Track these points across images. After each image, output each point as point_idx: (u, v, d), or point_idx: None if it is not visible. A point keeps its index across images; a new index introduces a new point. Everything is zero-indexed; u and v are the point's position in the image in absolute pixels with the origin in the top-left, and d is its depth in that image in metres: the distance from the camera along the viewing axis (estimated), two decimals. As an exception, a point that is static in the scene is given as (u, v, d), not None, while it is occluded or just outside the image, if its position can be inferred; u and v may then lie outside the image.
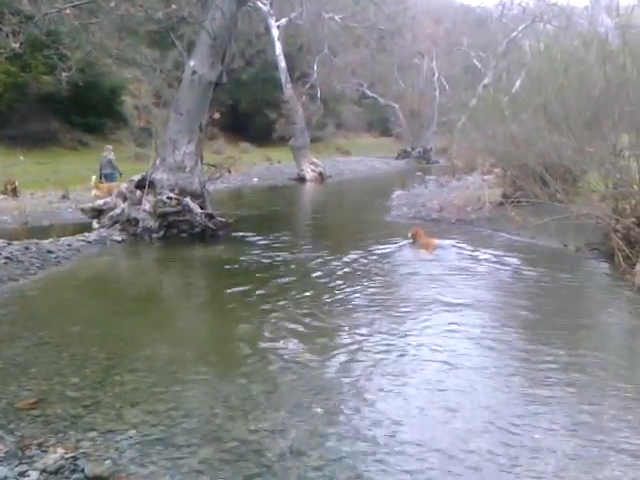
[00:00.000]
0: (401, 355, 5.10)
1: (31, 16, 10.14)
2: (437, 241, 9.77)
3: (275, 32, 24.50)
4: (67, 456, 3.44)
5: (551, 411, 4.07)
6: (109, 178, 15.71)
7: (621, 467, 3.43)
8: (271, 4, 24.24)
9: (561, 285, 7.68)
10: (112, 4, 10.50)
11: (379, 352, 5.16)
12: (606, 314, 6.75)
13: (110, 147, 17.04)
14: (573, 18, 28.77)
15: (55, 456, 3.42)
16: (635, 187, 8.57)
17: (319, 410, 4.10)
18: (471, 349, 5.28)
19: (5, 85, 21.23)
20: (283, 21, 24.95)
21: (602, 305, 7.16)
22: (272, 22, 24.39)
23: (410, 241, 9.77)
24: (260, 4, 23.08)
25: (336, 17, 26.41)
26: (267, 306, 6.60)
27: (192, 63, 10.61)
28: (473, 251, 9.56)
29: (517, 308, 6.75)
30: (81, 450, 3.54)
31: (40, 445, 3.55)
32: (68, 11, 10.33)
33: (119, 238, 10.26)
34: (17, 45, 10.20)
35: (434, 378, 4.62)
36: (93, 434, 3.73)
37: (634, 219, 8.41)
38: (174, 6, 10.66)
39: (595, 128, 9.08)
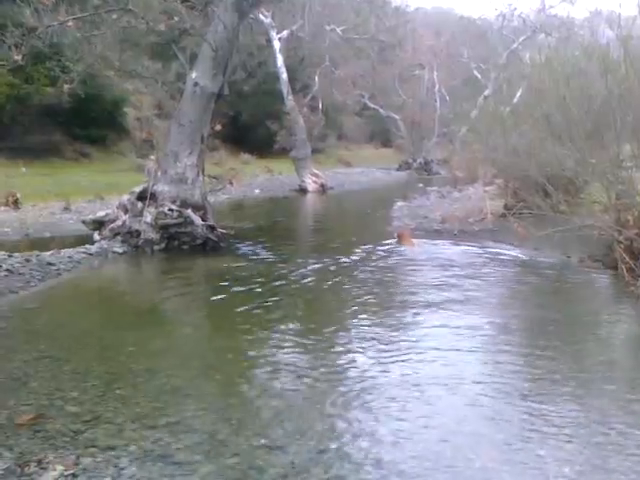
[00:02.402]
0: (408, 373, 5.04)
1: (34, 28, 10.15)
2: (420, 242, 11.15)
3: (277, 44, 24.60)
4: (67, 473, 3.38)
5: (553, 425, 4.01)
6: None
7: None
8: (273, 17, 24.36)
9: (564, 297, 7.63)
10: (114, 16, 10.55)
11: (386, 366, 5.10)
12: (610, 326, 6.70)
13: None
14: (573, 30, 28.92)
15: (54, 473, 3.37)
16: (638, 198, 8.54)
17: (323, 426, 4.05)
18: (472, 362, 5.22)
19: (7, 97, 21.26)
20: (285, 33, 25.06)
21: (605, 317, 7.10)
22: (274, 34, 24.49)
23: (395, 241, 11.23)
24: (262, 17, 23.17)
25: (337, 29, 26.53)
26: (270, 319, 6.56)
27: (194, 75, 10.63)
28: (475, 262, 9.53)
29: (519, 319, 6.71)
30: (81, 467, 3.48)
31: (39, 462, 3.50)
32: (70, 23, 10.36)
33: (120, 250, 10.22)
34: (20, 57, 10.21)
35: (439, 397, 4.56)
36: (93, 450, 3.67)
37: (637, 230, 8.36)
38: (176, 18, 10.69)
39: (597, 139, 9.06)
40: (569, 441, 3.82)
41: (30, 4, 9.99)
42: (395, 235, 11.61)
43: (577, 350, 5.59)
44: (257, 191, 23.24)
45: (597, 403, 4.39)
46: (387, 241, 11.33)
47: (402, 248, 10.77)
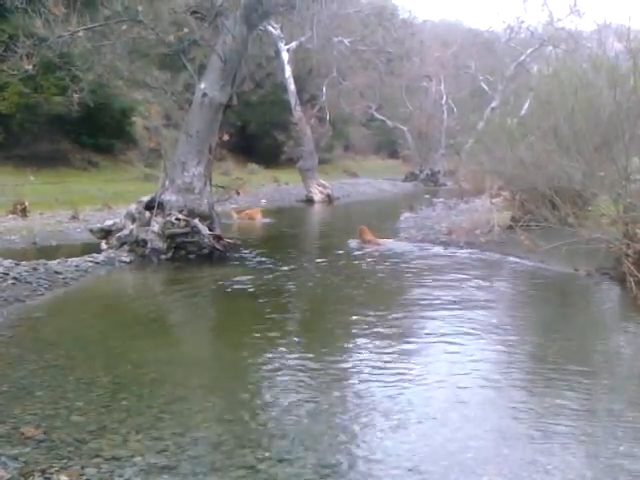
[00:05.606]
0: (414, 387, 5.01)
1: (45, 38, 10.24)
2: (381, 240, 12.36)
3: (285, 55, 24.75)
4: (71, 484, 3.36)
5: (560, 441, 3.97)
6: None
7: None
8: (281, 28, 24.51)
9: (572, 310, 7.59)
10: (124, 27, 10.62)
11: (392, 378, 5.07)
12: (618, 341, 6.64)
13: None
14: (581, 42, 28.94)
15: (58, 484, 3.35)
16: (646, 211, 8.50)
17: (328, 440, 4.02)
18: (477, 377, 5.17)
19: (17, 106, 21.44)
20: (293, 45, 25.20)
21: (613, 331, 7.05)
22: (282, 46, 24.65)
23: (357, 241, 12.32)
24: (271, 28, 23.32)
25: (345, 41, 26.68)
26: (276, 330, 6.53)
27: (202, 85, 10.68)
28: (483, 276, 9.49)
29: (526, 333, 6.66)
30: (85, 477, 3.46)
31: (43, 472, 3.48)
32: (81, 34, 10.45)
33: (127, 259, 10.24)
34: (30, 67, 10.31)
35: (446, 412, 4.51)
36: (98, 460, 3.65)
37: (646, 243, 8.31)
38: (186, 29, 10.78)
39: (605, 151, 9.04)
40: (577, 457, 3.78)
41: (41, 15, 10.08)
42: (357, 233, 12.46)
43: (584, 366, 5.53)
44: (263, 201, 23.28)
45: (605, 419, 4.35)
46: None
47: (407, 255, 10.97)
